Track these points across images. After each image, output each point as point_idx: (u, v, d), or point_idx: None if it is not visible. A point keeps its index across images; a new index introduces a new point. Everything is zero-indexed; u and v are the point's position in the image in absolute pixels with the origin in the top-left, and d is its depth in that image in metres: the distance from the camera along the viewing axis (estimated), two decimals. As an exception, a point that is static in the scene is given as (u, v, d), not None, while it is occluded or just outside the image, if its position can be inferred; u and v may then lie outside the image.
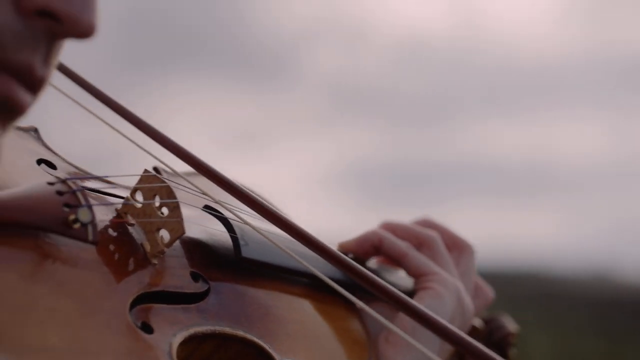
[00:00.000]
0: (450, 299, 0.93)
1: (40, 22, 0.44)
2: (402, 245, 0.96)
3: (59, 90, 0.74)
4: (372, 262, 1.03)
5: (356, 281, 0.75)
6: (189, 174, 0.81)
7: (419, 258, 0.95)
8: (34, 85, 0.46)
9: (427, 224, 1.04)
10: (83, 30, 0.45)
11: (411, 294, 0.94)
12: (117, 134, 0.78)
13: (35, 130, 0.76)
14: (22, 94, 0.45)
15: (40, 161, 0.71)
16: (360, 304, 0.75)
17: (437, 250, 0.98)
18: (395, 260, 0.98)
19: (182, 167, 0.79)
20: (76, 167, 0.76)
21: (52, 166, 0.72)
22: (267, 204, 0.75)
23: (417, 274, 0.96)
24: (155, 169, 0.82)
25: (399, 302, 0.73)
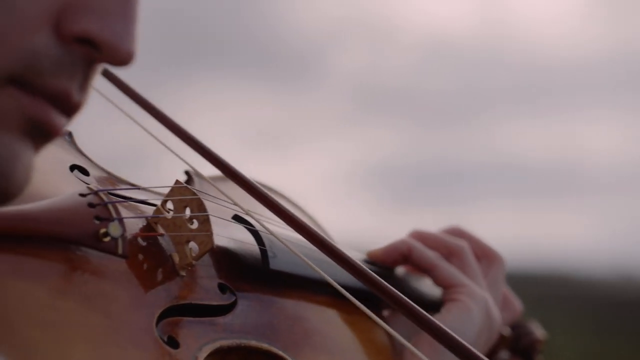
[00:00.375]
0: (479, 312, 0.92)
1: (79, 48, 0.44)
2: (431, 256, 0.95)
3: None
4: (400, 270, 1.02)
5: (380, 297, 0.74)
6: (217, 178, 0.81)
7: (448, 269, 0.95)
8: (70, 110, 0.46)
9: (457, 232, 1.03)
10: (122, 59, 0.45)
11: (439, 304, 0.94)
12: (146, 134, 0.78)
13: (70, 135, 0.76)
14: (58, 119, 0.45)
15: (73, 167, 0.72)
16: (377, 319, 0.74)
17: (466, 261, 0.97)
18: (424, 270, 0.97)
19: (211, 171, 0.79)
20: (108, 173, 0.76)
21: (84, 172, 0.72)
22: (294, 214, 0.75)
23: (445, 285, 0.95)
24: (187, 172, 0.82)
25: (421, 320, 0.73)
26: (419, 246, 0.95)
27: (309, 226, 0.74)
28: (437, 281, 0.96)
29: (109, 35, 0.44)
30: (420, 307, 1.00)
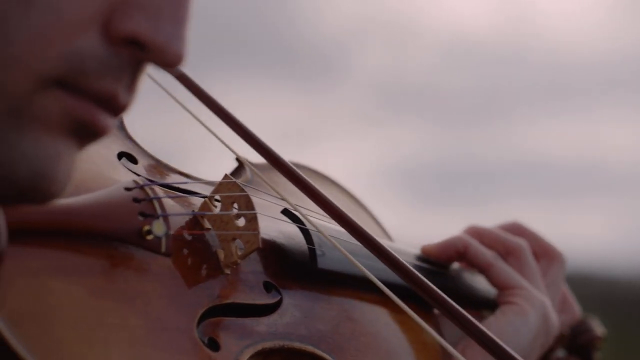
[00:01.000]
0: (535, 317, 0.88)
1: (127, 50, 0.42)
2: (488, 255, 0.92)
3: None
4: (456, 266, 0.99)
5: (425, 299, 0.71)
6: (266, 166, 0.78)
7: (505, 269, 0.91)
8: (117, 111, 0.44)
9: (515, 229, 0.99)
10: (171, 61, 0.43)
11: (494, 305, 0.90)
12: (198, 123, 0.76)
13: (120, 120, 0.74)
14: (104, 119, 0.44)
15: (121, 155, 0.70)
16: (418, 320, 0.73)
17: (524, 261, 0.93)
18: (479, 269, 0.94)
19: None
20: (157, 161, 0.74)
21: (133, 160, 0.71)
22: (340, 209, 0.72)
23: (501, 287, 0.92)
24: (237, 159, 0.79)
25: (467, 325, 0.70)
26: (475, 244, 0.92)
27: (355, 222, 0.71)
28: (493, 282, 0.92)
29: (158, 37, 0.42)
30: (474, 306, 0.97)
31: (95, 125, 0.43)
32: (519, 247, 0.93)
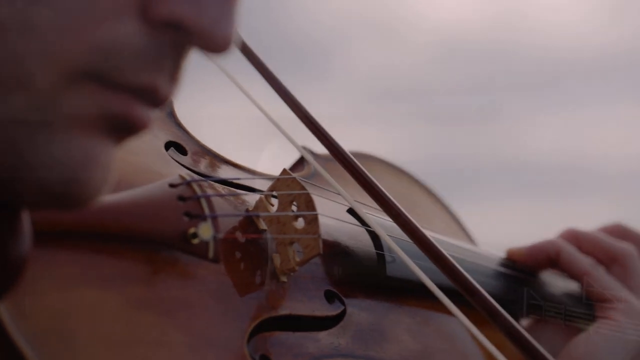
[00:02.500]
0: (636, 335, 0.78)
1: (168, 35, 0.36)
2: (584, 262, 0.82)
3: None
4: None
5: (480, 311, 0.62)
6: (328, 159, 0.70)
7: (603, 279, 0.81)
8: (158, 103, 0.38)
9: (620, 232, 0.88)
10: (217, 45, 0.37)
11: (591, 318, 0.80)
12: (257, 110, 0.68)
13: (169, 106, 0.67)
14: (144, 113, 0.38)
15: (169, 144, 0.63)
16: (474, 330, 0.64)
17: (631, 270, 0.82)
18: (574, 278, 0.84)
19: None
20: (209, 151, 0.67)
21: (182, 151, 0.64)
22: (406, 214, 0.63)
23: (599, 299, 0.81)
24: (305, 148, 0.72)
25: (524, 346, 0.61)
26: (569, 249, 0.82)
27: (418, 229, 0.62)
28: (589, 293, 0.82)
29: (203, 19, 0.36)
30: (566, 318, 0.87)
31: (134, 121, 0.38)
32: (624, 253, 0.83)
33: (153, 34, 0.36)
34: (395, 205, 0.62)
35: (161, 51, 0.37)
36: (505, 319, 0.61)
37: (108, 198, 0.49)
